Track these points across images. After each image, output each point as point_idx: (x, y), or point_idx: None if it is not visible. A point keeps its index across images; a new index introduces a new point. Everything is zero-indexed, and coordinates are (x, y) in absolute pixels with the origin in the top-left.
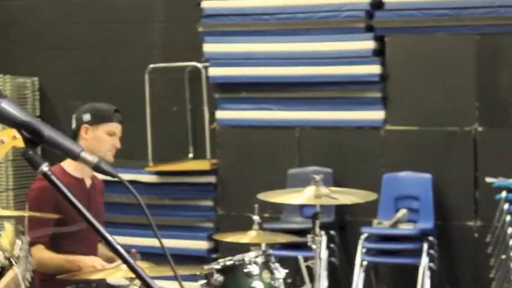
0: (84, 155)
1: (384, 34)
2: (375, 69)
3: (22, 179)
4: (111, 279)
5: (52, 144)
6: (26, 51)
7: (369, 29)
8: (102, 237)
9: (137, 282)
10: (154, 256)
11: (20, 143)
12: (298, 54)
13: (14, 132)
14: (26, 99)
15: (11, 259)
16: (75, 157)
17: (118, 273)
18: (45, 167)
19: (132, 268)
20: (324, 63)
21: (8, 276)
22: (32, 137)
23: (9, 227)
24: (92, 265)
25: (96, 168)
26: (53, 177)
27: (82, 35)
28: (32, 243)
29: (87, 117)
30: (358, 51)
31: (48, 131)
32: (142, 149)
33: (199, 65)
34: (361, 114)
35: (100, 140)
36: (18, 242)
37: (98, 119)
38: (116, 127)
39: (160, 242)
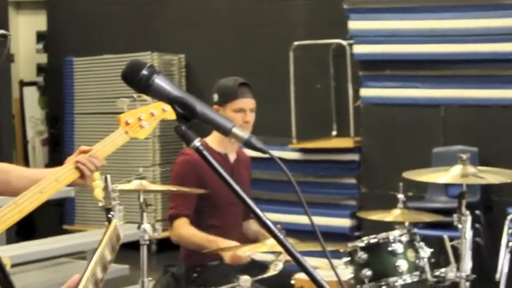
0: (236, 130)
1: None
2: None
3: (169, 154)
4: (255, 255)
5: (204, 119)
6: (173, 29)
7: None
8: (251, 211)
9: (282, 258)
10: (297, 232)
11: (169, 115)
12: (444, 31)
13: (163, 104)
14: (172, 76)
15: (110, 211)
16: (227, 132)
17: (262, 248)
18: (197, 142)
19: (281, 243)
20: (471, 40)
21: (110, 228)
22: (185, 113)
23: (97, 176)
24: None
25: (247, 143)
26: (205, 152)
27: (227, 12)
28: (175, 216)
29: (215, 97)
30: (507, 29)
31: (200, 107)
32: (286, 126)
33: (344, 42)
34: (508, 92)
35: None
36: (111, 192)
37: (224, 98)
38: (243, 102)
39: (310, 219)
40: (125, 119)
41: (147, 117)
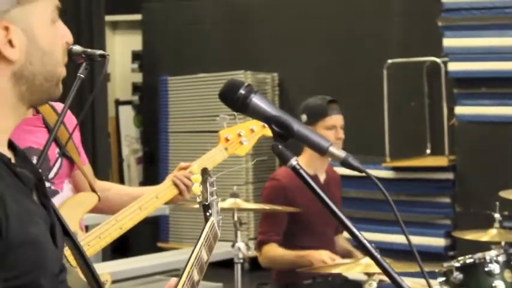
0: (332, 149)
1: None
2: None
3: (261, 173)
4: (349, 274)
5: (301, 138)
6: (266, 48)
7: None
8: (347, 230)
9: (376, 277)
10: (389, 251)
11: (268, 132)
12: None
13: None
14: (266, 94)
15: (208, 209)
16: (323, 151)
17: (356, 268)
18: (294, 161)
19: (378, 262)
20: None
21: (206, 227)
22: (282, 132)
23: (196, 170)
24: (321, 259)
25: (344, 162)
26: (301, 171)
27: (320, 30)
28: (264, 242)
29: (304, 118)
30: None
31: (297, 125)
32: (380, 144)
33: (438, 60)
34: None
35: None
36: (209, 187)
37: (314, 117)
38: (333, 119)
39: (407, 238)
40: (225, 136)
41: (246, 133)
